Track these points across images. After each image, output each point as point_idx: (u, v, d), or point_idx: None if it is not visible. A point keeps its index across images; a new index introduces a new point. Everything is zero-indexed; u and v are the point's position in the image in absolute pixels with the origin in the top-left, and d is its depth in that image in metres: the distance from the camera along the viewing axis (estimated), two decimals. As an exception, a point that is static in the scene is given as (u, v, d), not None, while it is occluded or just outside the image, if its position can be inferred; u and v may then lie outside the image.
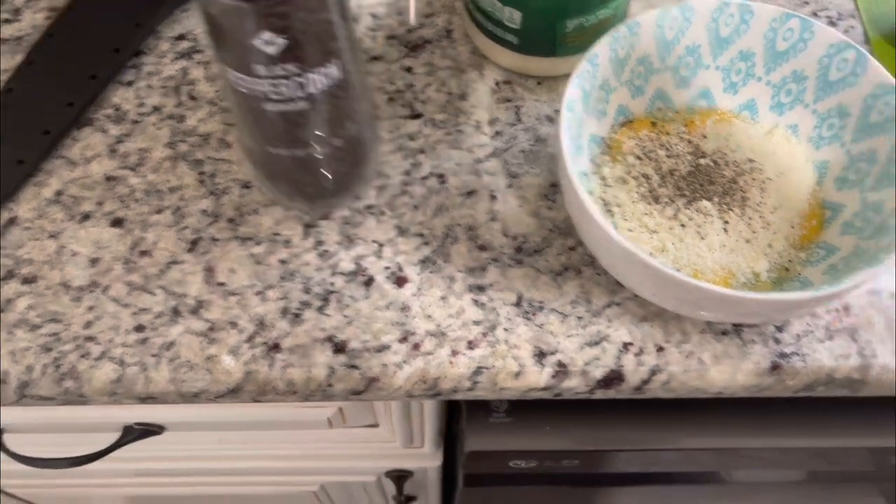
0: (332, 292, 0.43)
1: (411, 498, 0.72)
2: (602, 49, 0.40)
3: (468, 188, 0.47)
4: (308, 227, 0.45)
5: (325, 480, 0.73)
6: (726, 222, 0.41)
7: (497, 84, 0.51)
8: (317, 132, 0.38)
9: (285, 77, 0.34)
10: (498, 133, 0.49)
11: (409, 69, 0.51)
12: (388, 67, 0.51)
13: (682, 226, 0.41)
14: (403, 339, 0.42)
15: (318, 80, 0.35)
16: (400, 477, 0.66)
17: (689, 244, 0.41)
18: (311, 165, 0.41)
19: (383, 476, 0.67)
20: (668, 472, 0.55)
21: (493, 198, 0.46)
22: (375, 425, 0.58)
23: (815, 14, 0.54)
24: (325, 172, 0.41)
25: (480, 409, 0.47)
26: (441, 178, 0.47)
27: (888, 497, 0.75)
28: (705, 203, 0.42)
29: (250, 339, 0.42)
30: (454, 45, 0.52)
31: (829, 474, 0.62)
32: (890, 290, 0.43)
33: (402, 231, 0.45)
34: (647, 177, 0.43)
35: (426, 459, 0.65)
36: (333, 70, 0.35)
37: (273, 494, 0.78)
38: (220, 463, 0.69)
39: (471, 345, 0.42)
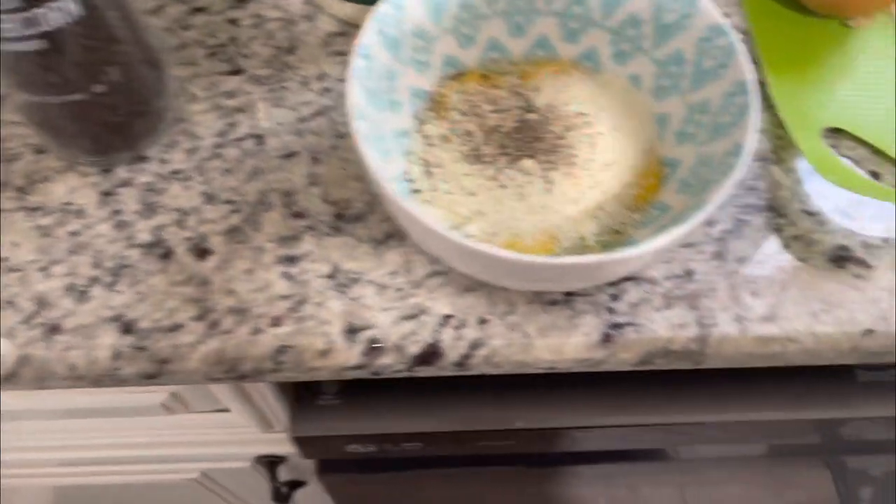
0: (125, 266, 0.39)
1: (298, 483, 0.69)
2: (405, -11, 0.36)
3: (288, 150, 0.43)
4: (105, 195, 0.41)
5: (202, 468, 0.69)
6: (550, 182, 0.37)
7: (330, 36, 0.46)
8: (69, 76, 0.34)
9: (10, 11, 0.30)
10: (326, 90, 0.45)
11: (233, 21, 0.47)
12: (210, 20, 0.47)
13: (502, 187, 0.37)
14: (200, 317, 0.38)
15: (52, 16, 0.31)
16: (272, 462, 0.62)
17: (508, 206, 0.37)
18: (75, 114, 0.36)
19: (255, 462, 0.64)
20: (587, 451, 0.52)
21: (314, 160, 0.42)
22: (226, 410, 0.54)
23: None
24: (93, 122, 0.37)
25: (310, 391, 0.43)
26: (259, 139, 0.43)
27: (834, 469, 0.73)
28: (527, 162, 0.38)
29: (28, 319, 0.38)
30: (286, -6, 0.48)
31: (775, 448, 0.60)
32: (736, 253, 0.40)
33: (210, 198, 0.41)
34: (470, 134, 0.39)
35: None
36: (70, 5, 0.31)
37: (156, 483, 0.74)
38: (86, 452, 0.65)
39: (275, 321, 0.38)
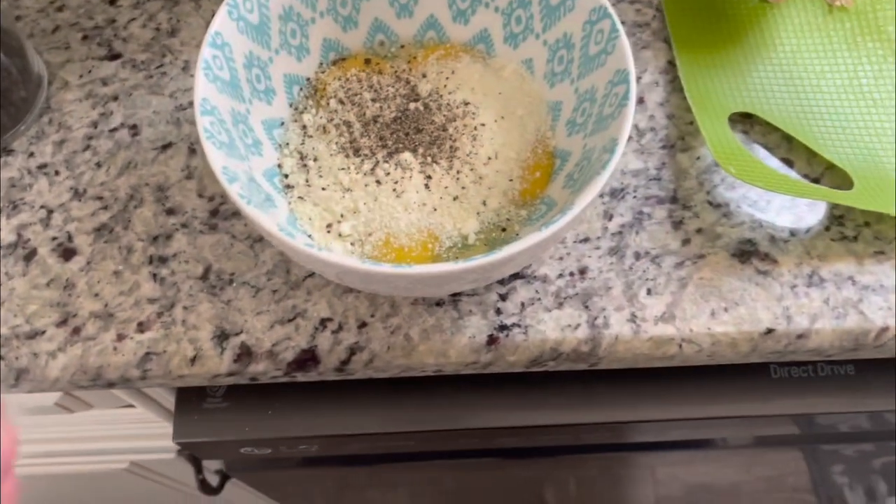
0: (-17, 269, 0.37)
1: (228, 475, 0.67)
2: (264, -30, 0.33)
3: (164, 140, 0.40)
4: (-34, 191, 0.39)
5: (130, 459, 0.67)
6: (428, 177, 0.35)
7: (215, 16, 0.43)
8: None
9: None
10: (208, 75, 0.42)
11: (112, 1, 0.44)
12: (87, 0, 0.44)
13: (378, 182, 0.35)
14: (62, 323, 0.36)
15: None
16: (194, 456, 0.61)
17: (384, 203, 0.35)
18: None
19: (177, 454, 0.62)
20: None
21: (192, 151, 0.40)
22: (131, 405, 0.52)
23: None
24: None
25: (195, 392, 0.42)
26: (134, 129, 0.40)
27: (805, 450, 0.72)
28: (407, 155, 0.35)
29: None
30: (170, -29, 0.45)
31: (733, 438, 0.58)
32: (635, 248, 0.38)
33: (78, 194, 0.39)
34: (348, 125, 0.36)
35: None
36: None
37: (86, 473, 0.73)
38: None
39: (141, 327, 0.36)
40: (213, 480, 0.66)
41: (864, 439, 0.63)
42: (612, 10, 0.33)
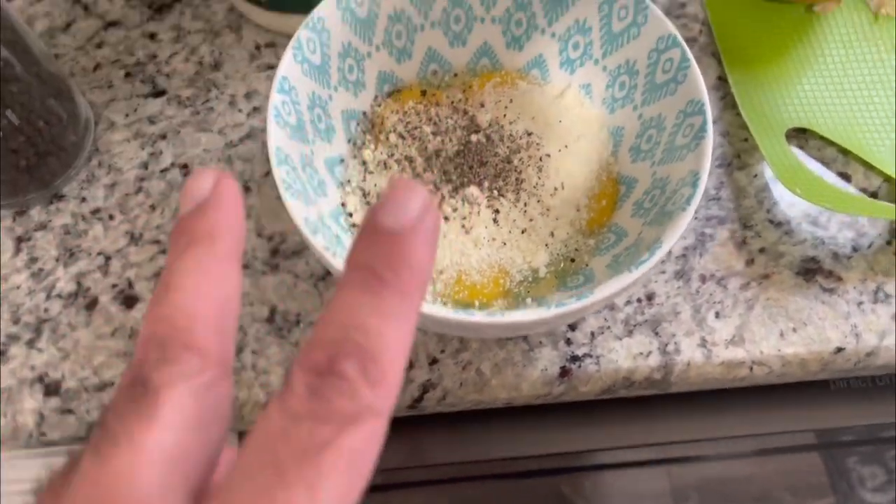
0: (45, 321, 0.36)
1: None
2: (327, 11, 0.33)
3: (218, 180, 0.39)
4: (21, 240, 0.38)
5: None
6: (496, 211, 0.35)
7: (258, 48, 0.43)
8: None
9: None
10: (256, 109, 0.41)
11: (152, 35, 0.43)
12: (126, 35, 0.43)
13: (446, 219, 0.35)
14: (130, 373, 0.35)
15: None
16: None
17: (453, 240, 0.34)
18: None
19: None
20: None
21: (246, 189, 0.39)
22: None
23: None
24: None
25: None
26: (185, 168, 0.40)
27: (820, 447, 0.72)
28: (473, 190, 0.35)
29: (-57, 386, 0.35)
30: (208, 1, 0.44)
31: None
32: (699, 270, 0.38)
33: (134, 238, 0.38)
34: (410, 160, 0.36)
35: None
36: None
37: None
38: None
39: (211, 373, 0.35)
40: None
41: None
42: (681, 39, 0.33)
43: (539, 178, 0.35)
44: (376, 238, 0.16)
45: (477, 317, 0.28)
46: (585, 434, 0.43)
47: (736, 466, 0.46)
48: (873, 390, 0.43)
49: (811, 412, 0.44)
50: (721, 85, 0.42)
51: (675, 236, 0.29)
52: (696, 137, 0.31)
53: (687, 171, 0.31)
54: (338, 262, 0.28)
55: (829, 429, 0.44)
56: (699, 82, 0.32)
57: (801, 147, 0.41)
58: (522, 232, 0.35)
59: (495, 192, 0.35)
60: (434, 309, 0.28)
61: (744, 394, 0.43)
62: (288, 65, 0.32)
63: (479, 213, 0.35)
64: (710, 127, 0.31)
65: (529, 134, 0.36)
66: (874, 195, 0.40)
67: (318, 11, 0.33)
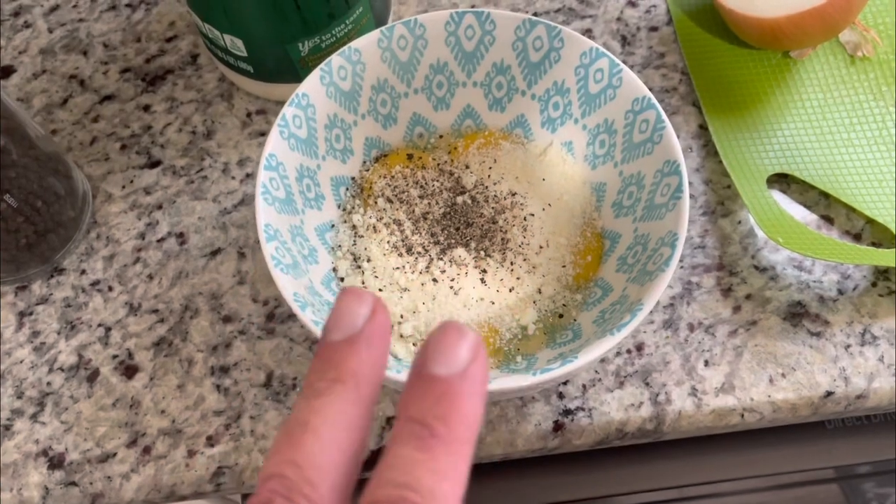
0: (48, 394, 0.37)
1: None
2: (311, 87, 0.34)
3: (213, 247, 0.40)
4: (22, 314, 0.39)
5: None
6: (484, 271, 0.36)
7: (249, 115, 0.44)
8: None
9: None
10: (249, 175, 0.42)
11: (146, 107, 0.44)
12: (121, 108, 0.44)
13: (435, 280, 0.35)
14: (132, 443, 0.36)
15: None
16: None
17: (443, 302, 0.35)
18: None
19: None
20: None
21: (241, 255, 0.40)
22: None
23: (613, -6, 0.48)
24: None
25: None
26: (181, 237, 0.41)
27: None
28: (460, 251, 0.36)
29: (-50, 463, 0.36)
30: (200, 72, 0.45)
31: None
32: (687, 319, 0.38)
33: (133, 309, 0.39)
34: (399, 223, 0.37)
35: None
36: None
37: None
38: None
39: (210, 441, 0.36)
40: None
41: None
42: (655, 101, 0.33)
43: (524, 237, 0.36)
44: (427, 388, 0.16)
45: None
46: (592, 480, 0.44)
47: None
48: (869, 427, 0.44)
49: (812, 450, 0.44)
50: (702, 133, 0.43)
51: (656, 298, 0.29)
52: (673, 197, 0.32)
53: (666, 231, 0.32)
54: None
55: (828, 467, 0.44)
56: (674, 144, 0.32)
57: (783, 191, 0.41)
58: (510, 290, 0.36)
59: (482, 252, 0.36)
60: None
61: (736, 436, 0.43)
62: (275, 142, 0.33)
63: (466, 273, 0.35)
64: (685, 188, 0.31)
65: (514, 194, 0.37)
66: (857, 237, 0.40)
67: (302, 88, 0.34)
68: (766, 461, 0.44)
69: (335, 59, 0.34)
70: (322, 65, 0.34)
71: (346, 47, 0.35)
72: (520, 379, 0.28)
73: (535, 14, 0.47)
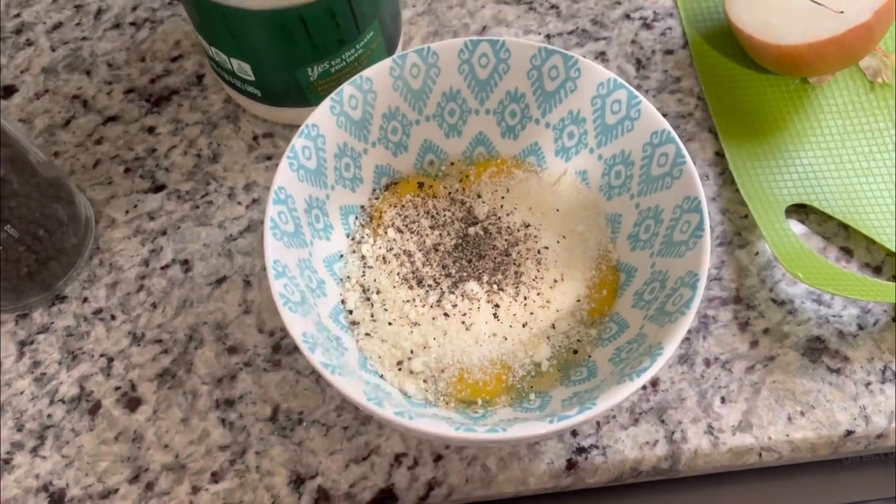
0: (49, 427, 0.36)
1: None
2: (321, 118, 0.33)
3: (218, 275, 0.40)
4: (23, 343, 0.38)
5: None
6: (496, 306, 0.35)
7: (255, 139, 0.43)
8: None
9: None
10: (255, 201, 0.41)
11: (151, 129, 0.43)
12: (125, 130, 0.43)
13: (446, 315, 0.34)
14: (135, 479, 0.35)
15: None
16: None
17: (454, 337, 0.34)
18: None
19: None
20: None
21: (247, 284, 0.39)
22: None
23: (627, 16, 0.47)
24: None
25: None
26: (186, 264, 0.40)
27: None
28: (472, 285, 0.35)
29: (-53, 498, 0.35)
30: (206, 93, 0.44)
31: None
32: (703, 354, 0.37)
33: (136, 339, 0.38)
34: (409, 254, 0.36)
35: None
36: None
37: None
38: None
39: (215, 477, 0.35)
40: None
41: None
42: (675, 136, 0.33)
43: (538, 270, 0.35)
44: None
45: (479, 434, 0.27)
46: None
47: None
48: (887, 462, 0.43)
49: (825, 486, 0.43)
50: (719, 160, 0.42)
51: (676, 342, 0.29)
52: (694, 235, 0.31)
53: (685, 271, 0.31)
54: (335, 378, 0.28)
55: (848, 503, 0.43)
56: (695, 180, 0.32)
57: (801, 221, 0.41)
58: (523, 326, 0.35)
59: (495, 286, 0.35)
60: (435, 426, 0.28)
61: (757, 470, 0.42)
62: (283, 174, 0.32)
63: (479, 308, 0.35)
64: (706, 226, 0.31)
65: (527, 226, 0.36)
66: (878, 269, 0.39)
67: (312, 119, 0.33)
68: (781, 496, 0.43)
69: (346, 88, 0.33)
70: (333, 94, 0.33)
71: (357, 76, 0.34)
72: (536, 427, 0.27)
73: (547, 36, 0.46)
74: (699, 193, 0.31)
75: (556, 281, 0.35)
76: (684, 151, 0.32)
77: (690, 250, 0.31)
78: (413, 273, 0.36)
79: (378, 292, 0.36)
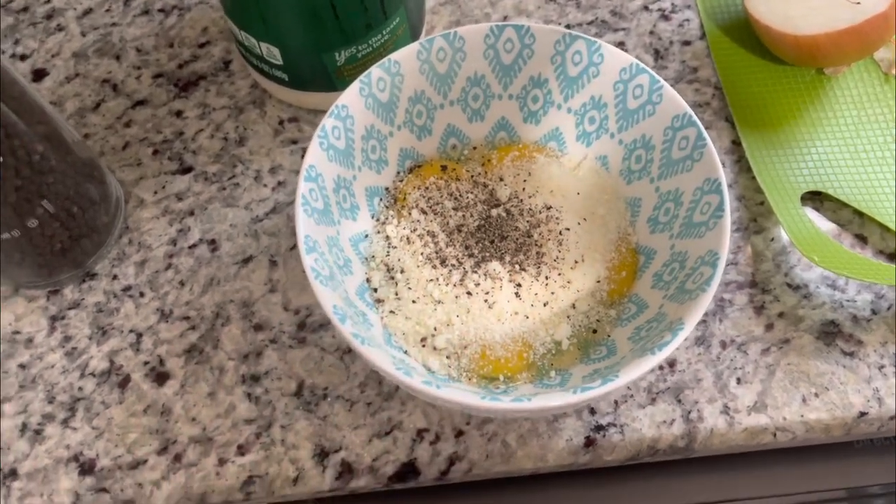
0: (79, 399, 0.37)
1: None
2: (350, 99, 0.34)
3: (244, 254, 0.40)
4: (55, 319, 0.39)
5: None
6: (518, 285, 0.35)
7: (281, 123, 0.44)
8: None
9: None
10: (280, 183, 0.42)
11: (179, 113, 0.44)
12: (154, 113, 0.44)
13: (469, 294, 0.35)
14: (163, 450, 0.36)
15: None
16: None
17: (477, 315, 0.35)
18: (10, 250, 0.35)
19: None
20: None
21: (273, 264, 0.40)
22: None
23: (646, 7, 0.48)
24: (32, 254, 0.35)
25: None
26: (213, 244, 0.41)
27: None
28: (495, 265, 0.36)
29: (-19, 467, 0.36)
30: (232, 78, 0.45)
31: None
32: (720, 336, 0.38)
33: (164, 315, 0.39)
34: (433, 235, 0.37)
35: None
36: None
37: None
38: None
39: (241, 450, 0.36)
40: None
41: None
42: (696, 119, 0.33)
43: (559, 251, 0.36)
44: None
45: (504, 403, 0.28)
46: (614, 496, 0.43)
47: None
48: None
49: (839, 469, 0.44)
50: (735, 149, 0.43)
51: (697, 317, 0.29)
52: (714, 216, 0.32)
53: (706, 250, 0.31)
54: (365, 349, 0.29)
55: (857, 487, 0.44)
56: (716, 162, 0.32)
57: (816, 209, 0.41)
58: (544, 305, 0.36)
59: (517, 266, 0.36)
60: (461, 395, 0.28)
61: (763, 452, 0.43)
62: (314, 153, 0.33)
63: (501, 287, 0.35)
64: (727, 206, 0.31)
65: (549, 208, 0.37)
66: (892, 256, 0.40)
67: (342, 99, 0.34)
68: (793, 478, 0.43)
69: (374, 70, 0.34)
70: (361, 76, 0.34)
71: (385, 59, 0.35)
72: (559, 397, 0.28)
73: (567, 26, 0.47)
74: (720, 175, 0.32)
75: (576, 262, 0.36)
76: (705, 134, 0.33)
77: (711, 230, 0.32)
78: (437, 253, 0.37)
79: (402, 271, 0.36)
